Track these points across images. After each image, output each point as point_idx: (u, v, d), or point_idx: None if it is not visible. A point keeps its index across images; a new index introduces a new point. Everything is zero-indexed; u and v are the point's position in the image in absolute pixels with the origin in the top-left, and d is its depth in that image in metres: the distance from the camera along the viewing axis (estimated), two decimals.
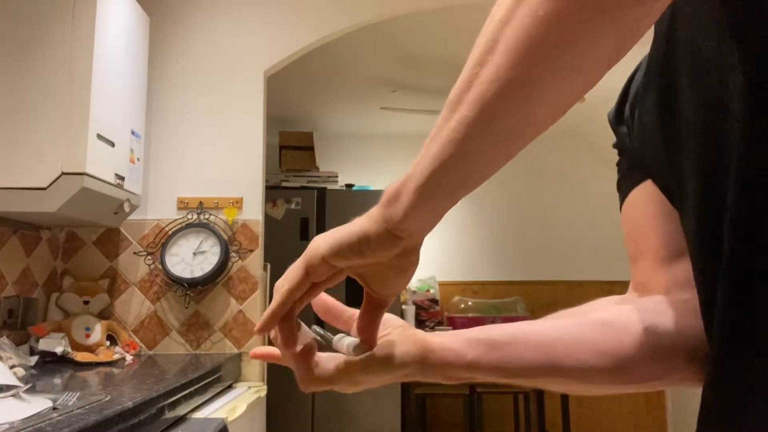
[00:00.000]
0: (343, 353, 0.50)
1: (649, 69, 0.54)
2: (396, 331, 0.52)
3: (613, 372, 0.51)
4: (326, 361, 0.50)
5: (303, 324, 0.51)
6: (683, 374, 0.51)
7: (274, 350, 0.54)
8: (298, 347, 0.49)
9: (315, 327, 0.54)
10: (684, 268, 0.52)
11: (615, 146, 0.63)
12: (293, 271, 0.48)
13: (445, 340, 0.51)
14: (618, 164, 0.64)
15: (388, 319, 0.54)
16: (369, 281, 0.49)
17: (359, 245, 0.45)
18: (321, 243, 0.46)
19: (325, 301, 0.56)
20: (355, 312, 0.55)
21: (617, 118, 0.62)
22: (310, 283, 0.48)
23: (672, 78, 0.47)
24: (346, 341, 0.51)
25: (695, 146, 0.44)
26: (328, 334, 0.54)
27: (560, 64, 0.37)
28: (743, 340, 0.38)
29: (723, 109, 0.40)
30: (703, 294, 0.45)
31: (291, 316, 0.49)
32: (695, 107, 0.44)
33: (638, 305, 0.54)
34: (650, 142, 0.54)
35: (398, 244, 0.44)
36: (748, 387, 0.37)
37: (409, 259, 0.46)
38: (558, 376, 0.51)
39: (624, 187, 0.61)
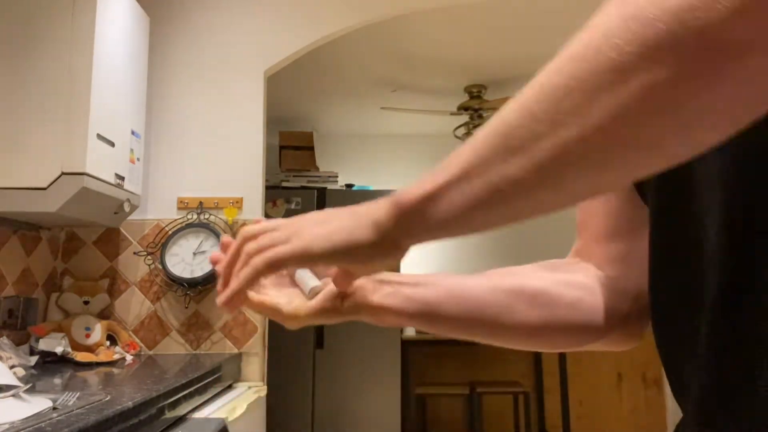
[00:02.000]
0: (300, 289, 0.55)
1: None
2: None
3: (527, 338, 0.56)
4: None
5: None
6: (596, 344, 0.58)
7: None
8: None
9: None
10: (617, 248, 0.58)
11: None
12: (275, 255, 0.46)
13: (386, 296, 0.54)
14: None
15: None
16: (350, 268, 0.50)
17: (361, 257, 0.44)
18: (313, 241, 0.45)
19: None
20: None
21: None
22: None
23: None
24: (306, 282, 0.54)
25: None
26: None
27: (680, 128, 0.31)
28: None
29: None
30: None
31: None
32: None
33: (569, 276, 0.58)
34: None
35: (400, 256, 0.44)
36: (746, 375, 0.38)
37: (398, 257, 0.47)
38: (477, 335, 0.56)
39: None
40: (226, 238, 0.54)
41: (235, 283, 0.47)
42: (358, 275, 0.51)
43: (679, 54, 0.28)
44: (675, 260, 0.47)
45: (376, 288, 0.54)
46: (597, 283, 0.57)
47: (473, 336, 0.56)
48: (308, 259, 0.45)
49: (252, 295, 0.53)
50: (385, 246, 0.43)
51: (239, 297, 0.48)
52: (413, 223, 0.41)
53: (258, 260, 0.46)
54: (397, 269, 0.51)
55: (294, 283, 0.56)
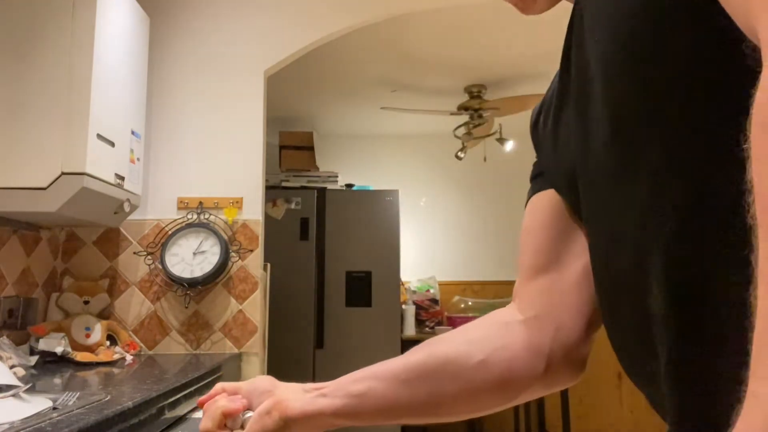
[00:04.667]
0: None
1: (561, 78, 0.54)
2: (265, 401, 0.61)
3: (459, 409, 0.56)
4: None
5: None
6: (536, 390, 0.56)
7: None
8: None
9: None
10: (540, 284, 0.56)
11: (534, 146, 0.65)
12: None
13: (307, 403, 0.58)
14: (534, 164, 0.65)
15: (256, 386, 0.63)
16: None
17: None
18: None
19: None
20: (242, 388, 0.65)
21: (533, 126, 0.63)
22: None
23: (585, 88, 0.47)
24: (242, 417, 0.63)
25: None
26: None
27: None
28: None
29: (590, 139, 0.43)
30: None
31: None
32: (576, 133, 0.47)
33: (474, 335, 0.57)
34: (562, 156, 0.55)
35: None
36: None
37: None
38: (409, 416, 0.56)
39: (530, 191, 0.64)
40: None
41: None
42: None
43: None
44: (619, 295, 0.46)
45: (296, 398, 0.59)
46: (507, 329, 0.56)
47: (398, 419, 0.57)
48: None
49: None
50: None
51: None
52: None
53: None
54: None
55: None
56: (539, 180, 0.61)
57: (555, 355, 0.55)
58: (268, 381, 0.64)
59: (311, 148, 3.86)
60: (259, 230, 2.23)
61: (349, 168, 4.44)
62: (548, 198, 0.58)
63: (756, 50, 0.27)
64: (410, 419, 0.56)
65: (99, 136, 1.71)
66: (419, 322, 4.00)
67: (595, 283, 0.49)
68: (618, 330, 0.47)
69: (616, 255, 0.44)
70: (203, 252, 2.11)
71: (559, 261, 0.55)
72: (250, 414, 0.62)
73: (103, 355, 1.86)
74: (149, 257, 2.15)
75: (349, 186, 3.81)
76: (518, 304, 0.59)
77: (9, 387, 1.18)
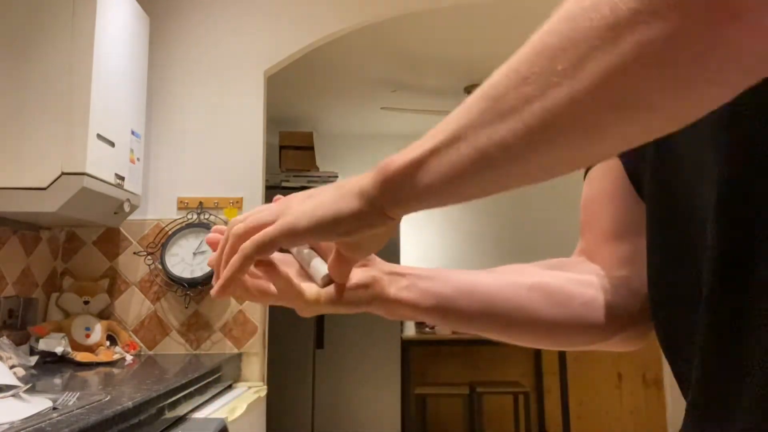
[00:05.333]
0: (313, 278, 0.53)
1: None
2: (358, 270, 0.53)
3: (543, 335, 0.57)
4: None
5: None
6: (604, 344, 0.58)
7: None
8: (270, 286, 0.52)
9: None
10: (625, 249, 0.58)
11: None
12: (263, 237, 0.45)
13: (402, 289, 0.54)
14: None
15: None
16: (342, 245, 0.48)
17: (347, 226, 0.42)
18: (300, 216, 0.44)
19: None
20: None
21: None
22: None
23: None
24: (318, 269, 0.52)
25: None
26: (304, 251, 0.55)
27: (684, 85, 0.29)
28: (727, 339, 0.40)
29: None
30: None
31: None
32: None
33: (580, 275, 0.58)
34: None
35: (388, 224, 0.43)
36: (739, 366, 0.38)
37: (389, 231, 0.45)
38: (493, 331, 0.56)
39: None
40: (218, 226, 0.54)
41: (227, 271, 0.47)
42: (353, 258, 0.49)
43: (679, 8, 0.27)
44: (672, 258, 0.47)
45: (392, 280, 0.54)
46: (608, 282, 0.58)
47: (486, 332, 0.56)
48: (295, 235, 0.44)
49: (256, 282, 0.53)
50: (372, 215, 0.41)
51: (231, 284, 0.47)
52: (399, 190, 0.40)
53: (247, 244, 0.45)
54: (393, 249, 0.48)
55: (302, 271, 0.55)
56: None
57: (636, 316, 0.57)
58: None
59: (311, 148, 3.86)
60: None
61: (349, 168, 4.44)
62: (617, 168, 0.58)
63: None
64: (489, 330, 0.56)
65: (99, 136, 1.71)
66: (419, 322, 4.00)
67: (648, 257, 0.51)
68: (662, 279, 0.49)
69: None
70: (203, 252, 2.11)
71: (638, 229, 0.55)
72: (319, 263, 0.53)
73: (103, 355, 1.86)
74: (149, 257, 2.15)
75: None
76: (600, 262, 0.60)
77: (9, 387, 1.18)
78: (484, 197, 0.40)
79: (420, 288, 0.54)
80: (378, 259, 0.56)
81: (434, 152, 0.38)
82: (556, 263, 0.61)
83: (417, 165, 0.38)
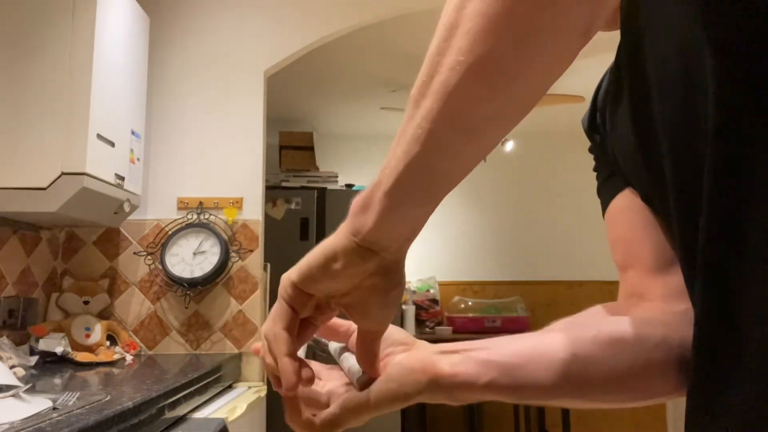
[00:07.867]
0: (347, 377, 0.49)
1: (617, 78, 0.52)
2: (400, 355, 0.49)
3: (624, 389, 0.49)
4: (326, 397, 0.48)
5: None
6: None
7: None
8: (299, 387, 0.46)
9: (315, 337, 0.52)
10: (676, 280, 0.50)
11: (591, 151, 0.64)
12: (278, 311, 0.45)
13: (456, 364, 0.48)
14: (595, 170, 0.64)
15: (390, 334, 0.51)
16: (353, 312, 0.46)
17: (326, 263, 0.42)
18: (292, 270, 0.44)
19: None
20: (352, 324, 0.52)
21: (590, 126, 0.62)
22: (298, 318, 0.45)
23: (642, 90, 0.45)
24: (352, 368, 0.48)
25: (669, 157, 0.43)
26: (327, 344, 0.53)
27: (526, 38, 0.34)
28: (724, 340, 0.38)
29: (693, 126, 0.38)
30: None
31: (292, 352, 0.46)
32: (665, 121, 0.42)
33: (644, 316, 0.52)
34: (626, 152, 0.53)
35: (370, 258, 0.41)
36: (731, 378, 0.36)
37: (389, 279, 0.43)
38: (571, 396, 0.49)
39: (605, 195, 0.62)
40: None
41: (283, 366, 0.45)
42: (371, 332, 0.46)
43: None
44: None
45: (441, 358, 0.48)
46: (673, 318, 0.51)
47: (563, 397, 0.49)
48: (289, 287, 0.44)
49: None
50: (349, 245, 0.41)
51: (295, 373, 0.45)
52: (369, 210, 0.40)
53: (265, 330, 0.46)
54: (400, 284, 0.49)
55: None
56: (614, 179, 0.59)
57: None
58: (397, 329, 0.52)
59: (311, 148, 3.86)
60: (259, 230, 2.23)
61: (349, 168, 4.44)
62: (635, 199, 0.55)
63: None
64: (566, 395, 0.49)
65: (99, 136, 1.71)
66: (419, 323, 4.00)
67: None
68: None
69: None
70: (203, 252, 2.11)
71: (675, 258, 0.51)
72: (351, 361, 0.49)
73: (103, 355, 1.86)
74: (149, 257, 2.15)
75: (350, 186, 3.81)
76: (655, 299, 0.54)
77: (9, 387, 1.18)
78: (457, 180, 0.42)
79: (476, 359, 0.48)
80: (424, 342, 0.52)
81: (383, 169, 0.40)
82: (612, 307, 0.55)
83: (381, 172, 0.41)
